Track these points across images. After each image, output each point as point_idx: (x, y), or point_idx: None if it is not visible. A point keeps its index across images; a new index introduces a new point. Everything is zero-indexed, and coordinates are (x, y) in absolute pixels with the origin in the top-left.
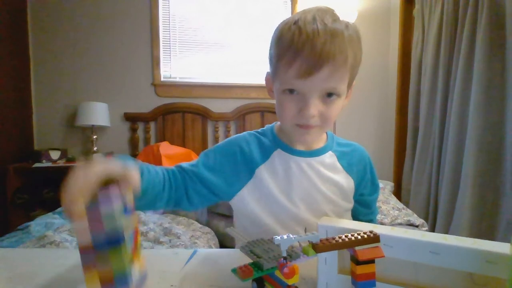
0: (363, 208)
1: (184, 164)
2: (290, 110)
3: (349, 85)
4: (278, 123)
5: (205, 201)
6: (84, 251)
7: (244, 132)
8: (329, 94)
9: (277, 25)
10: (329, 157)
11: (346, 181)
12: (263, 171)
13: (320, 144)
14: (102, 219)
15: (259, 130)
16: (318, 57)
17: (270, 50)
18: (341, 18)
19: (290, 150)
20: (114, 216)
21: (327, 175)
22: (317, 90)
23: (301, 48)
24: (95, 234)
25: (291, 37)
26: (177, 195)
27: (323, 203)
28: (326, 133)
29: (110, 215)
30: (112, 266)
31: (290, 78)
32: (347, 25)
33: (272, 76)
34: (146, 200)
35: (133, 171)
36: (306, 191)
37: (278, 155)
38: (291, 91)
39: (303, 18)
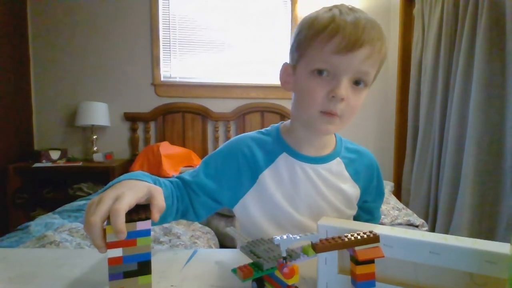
0: (365, 214)
1: (185, 175)
2: (318, 93)
3: (374, 79)
4: (285, 123)
5: (211, 211)
6: (113, 263)
7: (246, 134)
8: (357, 82)
9: (303, 18)
10: (337, 164)
11: (352, 190)
12: (267, 176)
13: (328, 149)
14: (137, 246)
15: (263, 130)
16: (360, 35)
17: (296, 36)
18: None
19: (297, 154)
20: (148, 244)
21: (334, 183)
22: (351, 71)
23: (344, 25)
24: (127, 254)
25: (331, 16)
26: (183, 207)
27: (328, 211)
28: (335, 136)
29: (145, 243)
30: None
31: (325, 54)
32: (377, 22)
33: (293, 64)
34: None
35: (158, 194)
36: (311, 198)
37: (283, 160)
38: (320, 72)
39: (338, 6)
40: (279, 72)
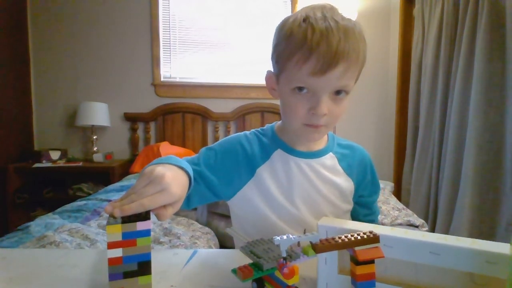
0: (363, 209)
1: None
2: (299, 109)
3: (355, 82)
4: (279, 122)
5: (203, 201)
6: (113, 263)
7: (244, 132)
8: (338, 92)
9: (281, 23)
10: (330, 159)
11: (346, 184)
12: (263, 171)
13: (321, 145)
14: (137, 247)
15: (259, 129)
16: (333, 55)
17: (275, 48)
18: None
19: (291, 150)
20: (148, 244)
21: (328, 176)
22: (329, 88)
23: (316, 46)
24: (127, 254)
25: (303, 35)
26: None
27: (323, 204)
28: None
29: (145, 244)
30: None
31: (303, 75)
32: (354, 22)
33: (276, 74)
34: None
35: (177, 207)
36: (306, 192)
37: (278, 155)
38: (300, 89)
39: (312, 15)
40: (264, 79)
